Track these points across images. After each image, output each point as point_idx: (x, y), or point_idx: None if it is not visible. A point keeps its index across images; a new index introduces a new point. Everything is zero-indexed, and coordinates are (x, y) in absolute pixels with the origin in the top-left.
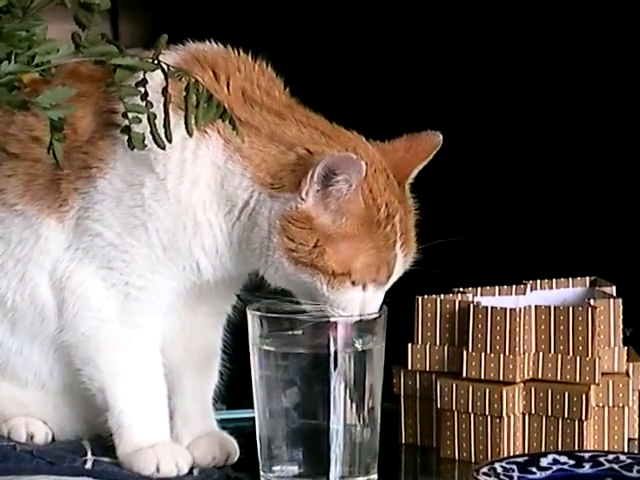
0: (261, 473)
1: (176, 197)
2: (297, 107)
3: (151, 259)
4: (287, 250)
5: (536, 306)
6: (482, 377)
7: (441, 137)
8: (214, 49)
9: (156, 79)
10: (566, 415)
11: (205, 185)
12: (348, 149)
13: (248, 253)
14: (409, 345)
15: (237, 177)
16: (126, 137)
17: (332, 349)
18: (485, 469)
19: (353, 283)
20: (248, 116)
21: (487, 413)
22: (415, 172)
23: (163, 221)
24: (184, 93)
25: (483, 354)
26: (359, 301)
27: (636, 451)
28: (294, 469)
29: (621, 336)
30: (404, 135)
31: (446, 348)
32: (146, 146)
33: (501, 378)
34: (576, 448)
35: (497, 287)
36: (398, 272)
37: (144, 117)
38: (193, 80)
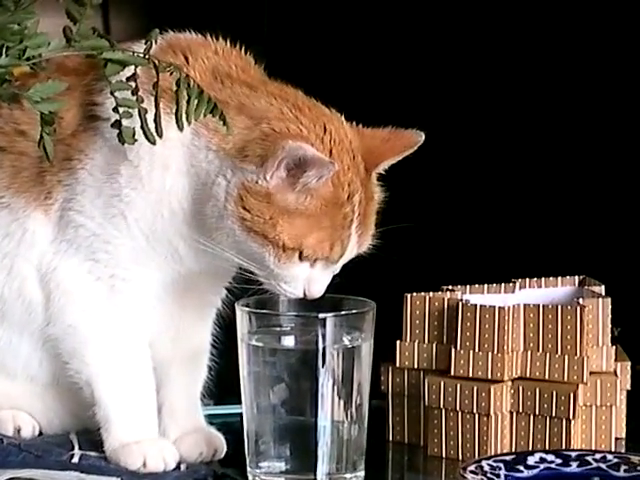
0: (248, 469)
1: (150, 184)
2: (273, 83)
3: (135, 250)
4: (241, 219)
5: (525, 304)
6: (470, 375)
7: (422, 138)
8: (191, 37)
9: (139, 72)
10: (554, 414)
11: (177, 170)
12: (317, 125)
13: (206, 222)
14: (397, 342)
15: (203, 151)
16: (107, 129)
17: (320, 345)
18: (472, 467)
19: (302, 259)
20: (216, 93)
21: (475, 411)
22: (386, 164)
23: (141, 210)
24: (174, 87)
25: (471, 352)
26: (305, 278)
27: (623, 450)
28: (281, 465)
29: (609, 335)
30: (390, 127)
31: (434, 346)
32: (136, 140)
33: (489, 376)
34: (563, 447)
35: (486, 285)
36: (350, 253)
37: (134, 111)
38: (184, 75)
